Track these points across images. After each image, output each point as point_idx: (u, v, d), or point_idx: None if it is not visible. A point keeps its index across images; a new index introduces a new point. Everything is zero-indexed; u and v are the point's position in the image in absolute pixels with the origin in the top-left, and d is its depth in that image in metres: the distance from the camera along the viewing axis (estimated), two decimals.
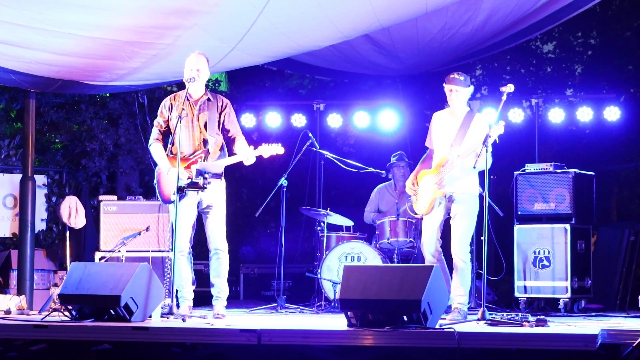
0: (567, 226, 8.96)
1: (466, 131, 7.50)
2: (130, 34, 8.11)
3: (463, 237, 7.52)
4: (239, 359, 6.55)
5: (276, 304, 8.98)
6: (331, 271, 9.27)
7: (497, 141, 7.16)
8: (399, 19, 8.89)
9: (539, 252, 9.01)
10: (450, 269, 7.60)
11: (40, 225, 10.77)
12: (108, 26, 7.94)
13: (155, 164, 7.72)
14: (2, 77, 8.82)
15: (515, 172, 9.32)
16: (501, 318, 6.85)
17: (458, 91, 7.54)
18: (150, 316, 7.00)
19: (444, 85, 7.59)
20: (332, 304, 8.97)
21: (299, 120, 11.60)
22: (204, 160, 7.45)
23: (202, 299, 8.47)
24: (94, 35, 8.06)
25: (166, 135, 7.66)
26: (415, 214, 7.80)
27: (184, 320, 6.90)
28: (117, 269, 7.01)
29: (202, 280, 8.59)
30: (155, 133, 7.67)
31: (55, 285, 9.26)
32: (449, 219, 7.64)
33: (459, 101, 7.58)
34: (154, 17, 7.87)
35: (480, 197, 7.66)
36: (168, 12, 7.79)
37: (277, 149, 7.59)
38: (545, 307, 8.99)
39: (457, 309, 7.45)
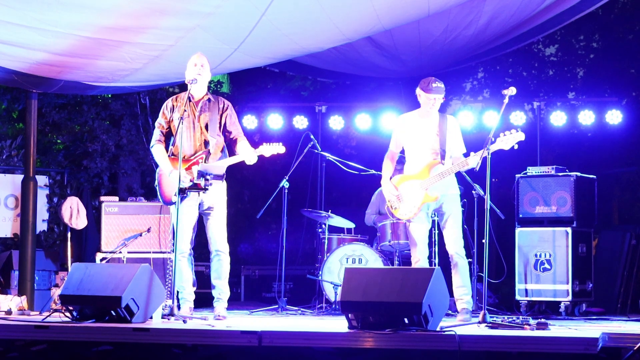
0: (569, 229, 8.95)
1: (445, 135, 7.50)
2: (132, 35, 8.12)
3: (459, 235, 7.57)
4: None
5: (277, 306, 8.97)
6: (332, 273, 9.26)
7: (516, 147, 7.21)
8: (401, 21, 8.90)
9: (540, 255, 9.01)
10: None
11: (42, 226, 10.77)
12: (110, 27, 7.94)
13: (157, 165, 7.73)
14: (4, 78, 8.82)
15: (517, 175, 9.32)
16: (502, 321, 6.85)
17: (440, 99, 7.54)
18: (151, 317, 7.00)
19: (424, 93, 7.49)
20: (333, 306, 8.97)
21: (300, 122, 11.61)
22: (204, 161, 7.46)
23: (203, 300, 8.47)
24: (96, 36, 8.06)
25: (168, 136, 7.67)
26: (398, 219, 7.76)
27: (184, 321, 6.90)
28: (118, 270, 7.01)
29: (203, 281, 8.60)
30: (157, 134, 7.68)
31: (56, 285, 9.27)
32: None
33: (437, 107, 7.59)
34: (156, 18, 7.87)
35: (478, 199, 7.67)
36: (170, 13, 7.79)
37: (278, 148, 7.59)
38: (546, 310, 8.99)
39: (465, 309, 7.42)
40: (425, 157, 7.55)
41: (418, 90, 7.57)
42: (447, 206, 7.54)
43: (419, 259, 7.58)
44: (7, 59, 8.35)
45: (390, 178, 7.72)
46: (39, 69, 8.70)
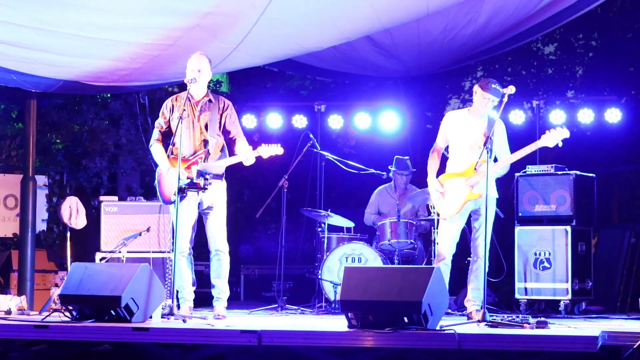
0: (568, 228, 8.95)
1: (493, 136, 7.43)
2: (131, 35, 8.11)
3: (488, 239, 7.55)
4: (239, 359, 6.56)
5: (277, 305, 8.98)
6: (332, 272, 9.26)
7: (561, 145, 7.28)
8: (400, 20, 8.90)
9: (539, 254, 9.01)
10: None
11: (41, 226, 10.77)
12: (109, 27, 7.94)
13: (156, 165, 7.73)
14: (3, 78, 8.82)
15: (516, 174, 9.30)
16: (502, 320, 6.85)
17: (494, 101, 7.49)
18: (150, 317, 7.00)
19: (481, 90, 7.45)
20: (333, 305, 8.97)
21: (300, 121, 11.60)
22: (204, 161, 7.46)
23: (203, 299, 8.47)
24: (95, 36, 8.06)
25: (167, 136, 7.67)
26: (440, 215, 7.73)
27: (184, 321, 6.90)
28: (118, 270, 7.01)
29: (202, 281, 8.59)
30: (155, 134, 7.68)
31: (56, 285, 9.26)
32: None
33: (489, 109, 7.54)
34: (155, 18, 7.87)
35: None
36: (169, 12, 7.79)
37: (276, 150, 7.59)
38: (546, 308, 8.99)
39: (478, 311, 7.36)
40: (472, 155, 7.52)
41: (476, 88, 7.53)
42: (485, 208, 7.49)
43: (444, 257, 7.55)
44: (6, 58, 8.34)
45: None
46: (38, 69, 8.70)
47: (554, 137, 7.29)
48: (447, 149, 7.78)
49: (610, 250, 9.89)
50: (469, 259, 7.79)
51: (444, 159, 7.79)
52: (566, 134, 7.29)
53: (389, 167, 9.98)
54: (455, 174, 7.61)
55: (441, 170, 7.75)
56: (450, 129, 7.66)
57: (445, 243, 7.59)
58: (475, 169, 7.48)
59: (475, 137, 7.54)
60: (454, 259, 7.67)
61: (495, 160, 7.55)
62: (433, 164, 7.72)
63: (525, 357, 6.02)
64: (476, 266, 7.56)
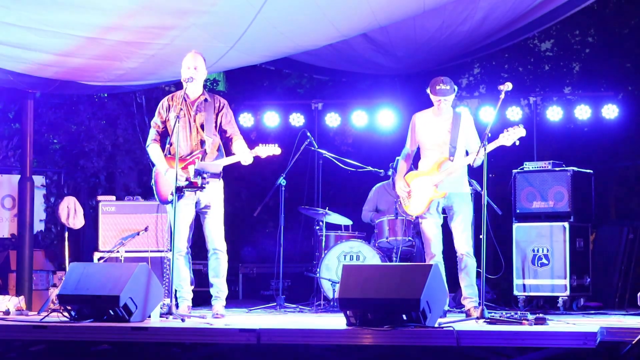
0: (566, 224, 8.96)
1: (458, 132, 7.55)
2: (128, 34, 8.11)
3: (469, 235, 7.64)
4: (238, 358, 6.56)
5: (275, 304, 8.98)
6: (330, 270, 9.26)
7: (518, 143, 7.27)
8: (397, 17, 8.90)
9: (537, 251, 9.02)
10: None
11: (39, 226, 10.76)
12: (106, 26, 7.94)
13: (154, 165, 7.72)
14: (0, 78, 8.81)
15: (514, 171, 9.32)
16: (500, 316, 6.85)
17: (447, 100, 7.58)
18: (149, 316, 7.00)
19: (431, 94, 7.60)
20: (331, 303, 8.97)
21: (297, 119, 11.60)
22: (201, 161, 7.46)
23: (201, 298, 8.47)
24: (91, 36, 8.05)
25: (164, 135, 7.67)
26: (408, 215, 7.85)
27: (183, 320, 6.90)
28: (116, 269, 7.01)
29: (201, 280, 8.59)
30: (152, 134, 7.68)
31: (54, 285, 9.25)
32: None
33: (447, 106, 7.63)
34: (152, 17, 7.86)
35: (475, 195, 7.72)
36: (165, 12, 7.79)
37: (273, 150, 7.60)
38: (544, 305, 9.00)
39: (475, 307, 7.39)
40: (436, 154, 7.59)
41: (428, 90, 7.62)
42: (458, 205, 7.59)
43: (434, 255, 7.62)
44: (3, 59, 8.33)
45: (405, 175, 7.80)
46: (35, 69, 8.69)
47: (511, 136, 7.36)
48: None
49: (608, 246, 9.90)
50: None
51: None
52: (522, 132, 7.34)
53: (390, 164, 9.97)
54: (421, 173, 7.72)
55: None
56: (417, 130, 7.75)
57: (429, 242, 7.65)
58: (440, 167, 7.55)
59: (439, 136, 7.63)
60: (452, 257, 7.69)
61: (467, 153, 7.61)
62: (400, 166, 7.86)
63: (523, 354, 6.02)
64: (464, 264, 7.61)
